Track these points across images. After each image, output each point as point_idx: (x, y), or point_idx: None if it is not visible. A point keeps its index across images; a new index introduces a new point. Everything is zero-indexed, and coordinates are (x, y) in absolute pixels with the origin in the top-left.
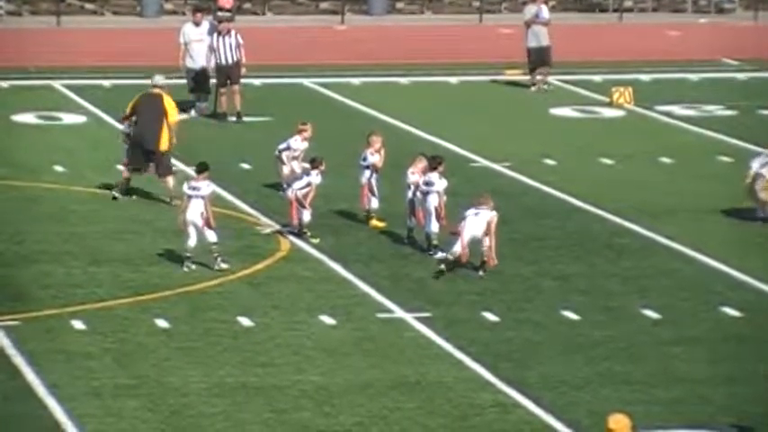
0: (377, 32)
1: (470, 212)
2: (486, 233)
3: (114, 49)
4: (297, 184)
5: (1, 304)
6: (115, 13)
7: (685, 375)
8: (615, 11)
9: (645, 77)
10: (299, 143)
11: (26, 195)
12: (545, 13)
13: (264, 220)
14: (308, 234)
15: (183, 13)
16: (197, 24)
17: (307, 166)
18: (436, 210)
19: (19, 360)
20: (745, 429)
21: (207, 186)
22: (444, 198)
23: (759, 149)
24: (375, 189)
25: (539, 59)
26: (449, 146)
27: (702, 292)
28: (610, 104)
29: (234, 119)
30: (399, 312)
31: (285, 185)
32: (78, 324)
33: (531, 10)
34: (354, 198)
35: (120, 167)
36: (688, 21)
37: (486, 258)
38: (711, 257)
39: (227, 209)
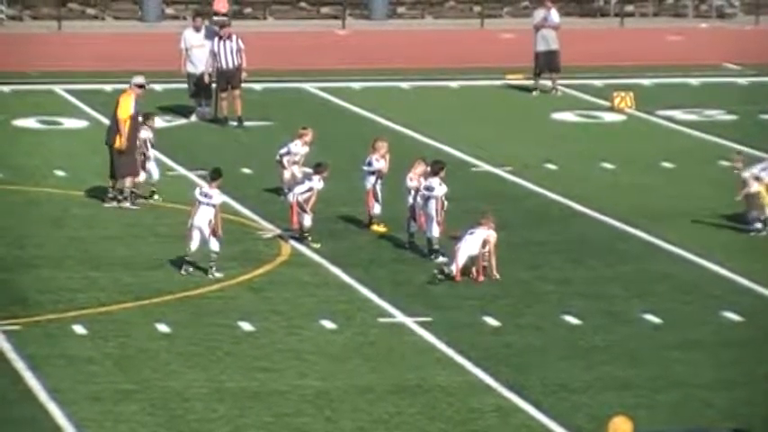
0: (378, 37)
1: (468, 231)
2: (482, 251)
3: (115, 53)
4: (298, 189)
5: (2, 309)
6: (116, 17)
7: (686, 379)
8: (616, 15)
9: (646, 82)
10: (299, 147)
11: (27, 200)
12: (554, 17)
13: (265, 224)
14: (309, 239)
15: (184, 18)
16: (197, 29)
17: (308, 170)
18: (437, 214)
19: (20, 365)
20: None
21: (219, 195)
22: (446, 203)
23: (763, 155)
24: (378, 195)
25: (546, 64)
26: (450, 150)
27: (703, 297)
28: (611, 109)
29: (235, 123)
30: (400, 317)
31: (286, 190)
32: (79, 329)
33: (539, 14)
34: (355, 203)
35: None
36: (689, 25)
37: (478, 271)
38: (712, 262)
39: (228, 213)
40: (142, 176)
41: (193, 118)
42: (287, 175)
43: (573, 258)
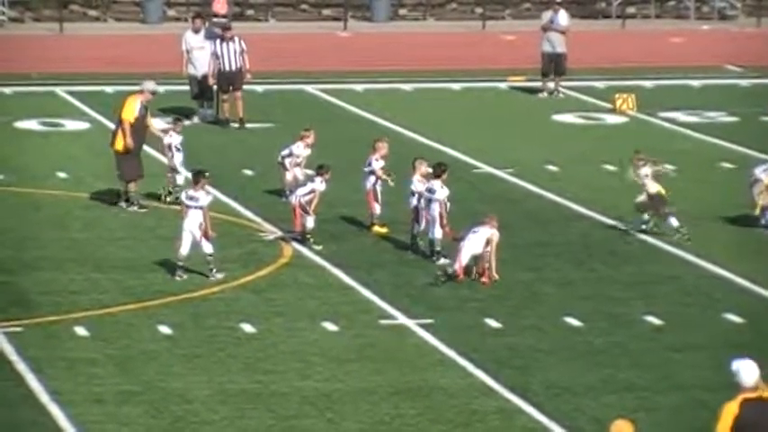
0: (380, 39)
1: (471, 230)
2: (486, 249)
3: (117, 55)
4: (301, 191)
5: (3, 311)
6: (118, 19)
7: (688, 382)
8: (618, 17)
9: (648, 84)
10: (301, 149)
11: (29, 202)
12: (561, 19)
13: (267, 226)
14: (311, 240)
15: (186, 20)
16: (196, 32)
17: (310, 172)
18: (439, 217)
19: (22, 367)
20: None
21: (205, 196)
22: (448, 205)
23: (764, 157)
24: (379, 195)
25: (551, 66)
26: (452, 152)
27: (705, 299)
28: (613, 111)
29: (236, 125)
30: (402, 319)
31: (288, 192)
32: (81, 330)
33: (546, 15)
34: (357, 204)
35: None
36: (691, 27)
37: (481, 270)
38: (714, 264)
39: (229, 215)
40: (179, 179)
41: (195, 120)
42: (289, 176)
43: (574, 260)
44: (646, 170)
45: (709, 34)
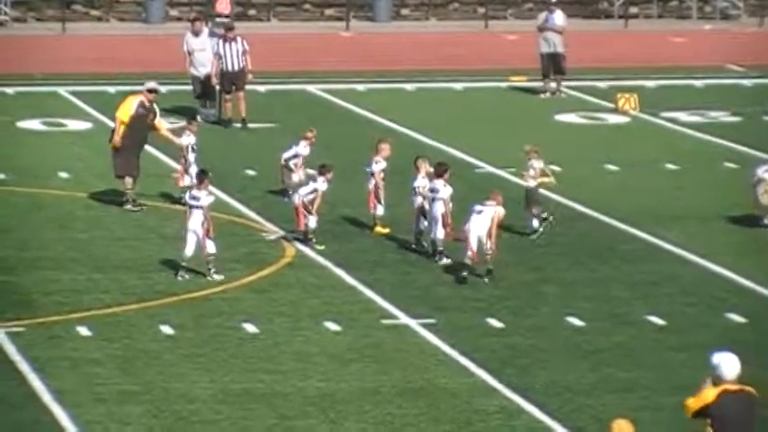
0: (382, 39)
1: (474, 210)
2: (491, 230)
3: (119, 55)
4: (303, 191)
5: (6, 311)
6: (120, 19)
7: (690, 382)
8: (620, 17)
9: (650, 84)
10: (307, 150)
11: (31, 202)
12: (557, 19)
13: (269, 226)
14: (314, 240)
15: (188, 20)
16: (196, 34)
17: (312, 172)
18: (442, 216)
19: (24, 366)
20: None
21: (206, 196)
22: (450, 205)
23: (766, 156)
24: (381, 196)
25: (550, 66)
26: (454, 152)
27: (708, 299)
28: (615, 111)
29: (239, 125)
30: (404, 319)
31: (291, 192)
32: (83, 330)
33: (542, 15)
34: (359, 204)
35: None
36: (693, 27)
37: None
38: (717, 263)
39: (231, 215)
40: (187, 180)
41: (198, 119)
42: (295, 178)
43: (577, 260)
44: (536, 164)
45: (712, 34)
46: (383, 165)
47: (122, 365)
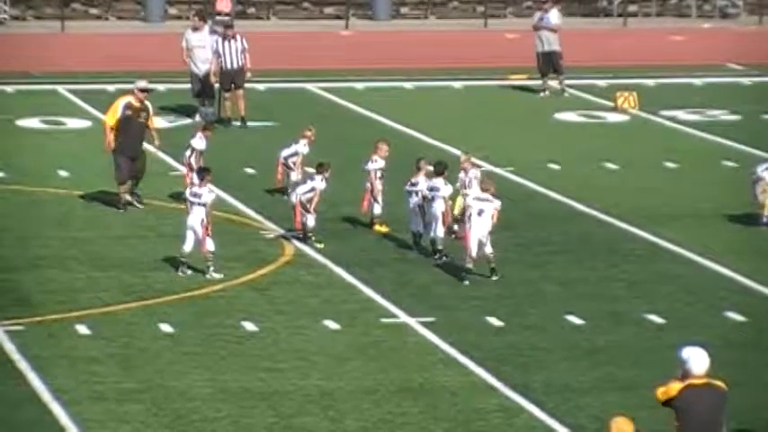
0: (381, 37)
1: (474, 210)
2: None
3: (118, 53)
4: (301, 189)
5: (5, 309)
6: (119, 18)
7: None
8: (620, 16)
9: (649, 82)
10: (306, 148)
11: (30, 200)
12: (552, 18)
13: (268, 224)
14: (313, 239)
15: (188, 18)
16: (196, 30)
17: (310, 170)
18: (442, 215)
19: (23, 365)
20: None
21: (208, 193)
22: (450, 203)
23: (766, 155)
24: (379, 194)
25: (547, 65)
26: (453, 150)
27: (707, 297)
28: (614, 109)
29: (238, 123)
30: (403, 317)
31: (290, 190)
32: (83, 329)
33: (537, 14)
34: (358, 203)
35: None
36: (692, 25)
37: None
38: (716, 262)
39: (231, 213)
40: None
41: (197, 118)
42: (294, 176)
43: (576, 259)
44: (474, 172)
45: (711, 32)
46: (380, 164)
47: (122, 364)
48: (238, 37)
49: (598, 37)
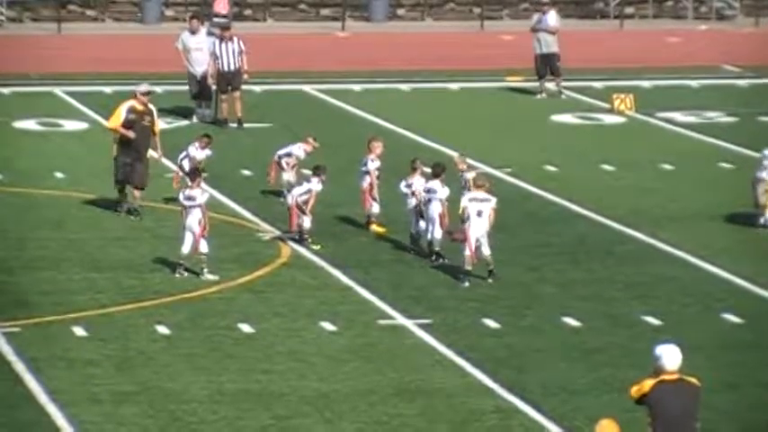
0: (378, 39)
1: (472, 211)
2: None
3: (115, 55)
4: (297, 191)
5: (2, 311)
6: (116, 19)
7: None
8: (616, 17)
9: (646, 84)
10: (300, 152)
11: (27, 202)
12: (550, 20)
13: (265, 226)
14: (309, 240)
15: (184, 20)
16: (193, 32)
17: (307, 172)
18: (439, 217)
19: (20, 367)
20: None
21: (201, 195)
22: (447, 204)
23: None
24: (376, 195)
25: (545, 67)
26: (449, 152)
27: (704, 299)
28: (611, 111)
29: (235, 125)
30: (400, 319)
31: (285, 192)
32: (79, 330)
33: (535, 16)
34: (354, 204)
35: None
36: (689, 27)
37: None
38: (713, 264)
39: (227, 215)
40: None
41: (194, 119)
42: (285, 176)
43: (573, 260)
44: (468, 175)
45: (708, 34)
46: (378, 163)
47: (118, 365)
48: (235, 39)
49: (595, 39)
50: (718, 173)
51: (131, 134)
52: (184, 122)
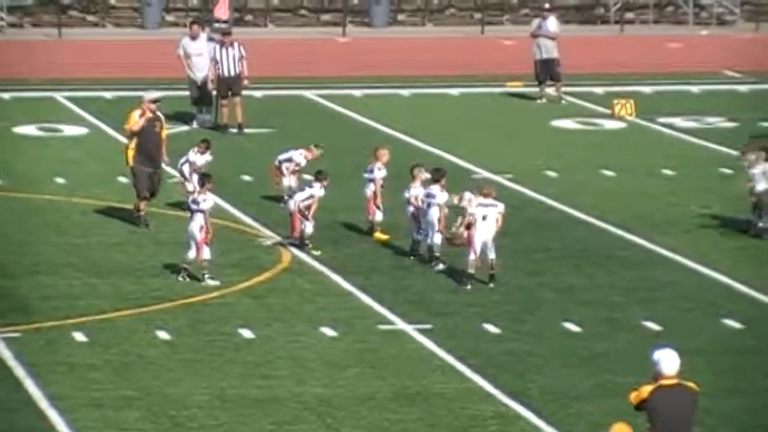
0: (378, 44)
1: (478, 215)
2: (495, 235)
3: (115, 60)
4: (299, 196)
5: (3, 316)
6: (116, 25)
7: None
8: (617, 23)
9: (646, 89)
10: (301, 159)
11: (27, 207)
12: (550, 25)
13: (266, 231)
14: (310, 246)
15: (185, 25)
16: (194, 38)
17: (308, 178)
18: (438, 222)
19: (20, 372)
20: None
21: (204, 200)
22: (446, 211)
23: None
24: (380, 202)
25: (545, 72)
26: (450, 158)
27: (704, 304)
28: (611, 116)
29: (235, 130)
30: (401, 324)
31: (286, 197)
32: (79, 336)
33: (535, 22)
34: (356, 210)
35: None
36: (689, 33)
37: (492, 265)
38: (713, 269)
39: (228, 221)
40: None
41: (194, 125)
42: (285, 182)
43: (573, 266)
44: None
45: (708, 39)
46: (384, 172)
47: (119, 371)
48: (236, 44)
49: (595, 44)
50: (719, 178)
51: (138, 127)
52: (185, 128)
